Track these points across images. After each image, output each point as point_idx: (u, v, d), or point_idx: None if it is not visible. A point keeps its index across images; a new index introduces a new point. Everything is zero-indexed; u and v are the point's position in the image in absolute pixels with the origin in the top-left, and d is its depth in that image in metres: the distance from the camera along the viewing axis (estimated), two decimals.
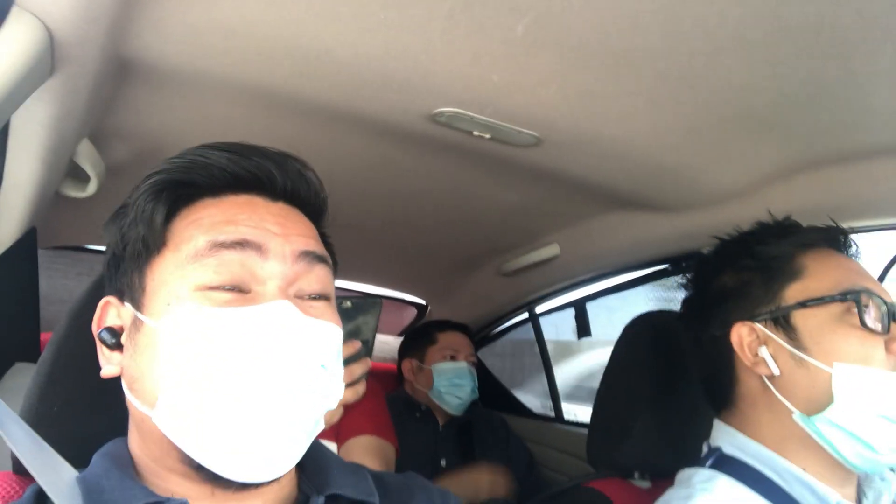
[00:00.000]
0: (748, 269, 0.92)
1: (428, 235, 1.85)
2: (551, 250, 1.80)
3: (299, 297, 0.63)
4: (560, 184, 1.35)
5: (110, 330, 0.63)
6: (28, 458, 0.61)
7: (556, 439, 2.17)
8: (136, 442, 0.64)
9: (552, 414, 2.29)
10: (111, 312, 0.65)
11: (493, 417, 2.21)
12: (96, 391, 0.69)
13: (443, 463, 2.01)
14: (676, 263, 1.57)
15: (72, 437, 0.68)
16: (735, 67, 0.84)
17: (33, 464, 0.61)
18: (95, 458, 0.64)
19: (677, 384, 1.11)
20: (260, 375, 0.57)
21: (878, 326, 0.82)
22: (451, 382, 2.01)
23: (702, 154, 1.13)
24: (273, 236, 0.62)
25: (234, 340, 0.57)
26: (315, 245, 0.66)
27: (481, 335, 2.47)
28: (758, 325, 0.88)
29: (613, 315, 2.05)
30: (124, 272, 0.64)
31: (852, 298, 0.82)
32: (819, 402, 0.81)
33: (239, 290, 0.60)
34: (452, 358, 2.05)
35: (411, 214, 1.65)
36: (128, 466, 0.63)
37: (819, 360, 0.82)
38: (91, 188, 1.22)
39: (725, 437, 0.90)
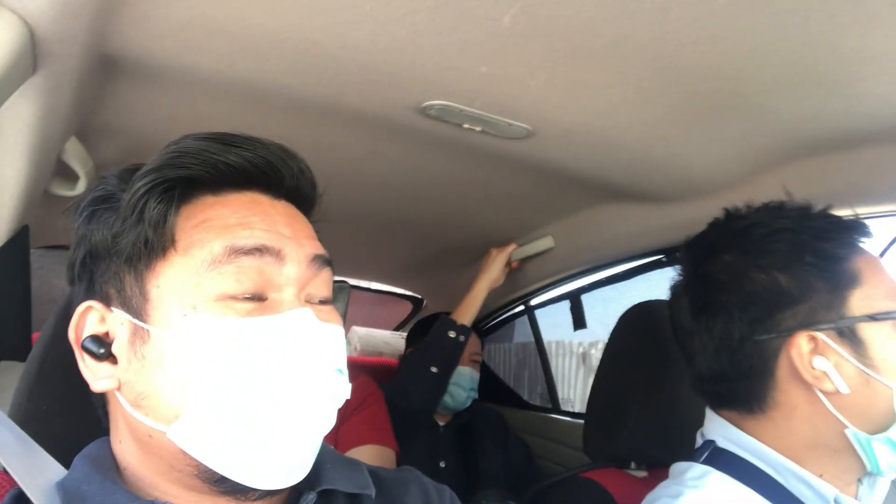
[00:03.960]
0: (810, 269, 0.81)
1: (421, 229, 1.84)
2: (546, 243, 1.80)
3: (310, 301, 0.62)
4: (553, 176, 1.34)
5: (96, 339, 0.59)
6: (11, 459, 0.60)
7: (553, 431, 2.17)
8: (130, 451, 0.61)
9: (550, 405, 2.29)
10: (92, 319, 0.60)
11: (491, 414, 2.19)
12: (85, 391, 0.68)
13: (442, 464, 1.99)
14: (671, 254, 1.57)
15: (61, 437, 0.68)
16: (723, 56, 0.83)
17: (16, 466, 0.60)
18: (76, 461, 0.62)
19: (671, 374, 1.11)
20: (288, 385, 0.57)
21: None
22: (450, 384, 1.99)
23: (692, 144, 1.13)
24: (287, 240, 0.61)
25: (262, 351, 0.56)
26: (321, 248, 0.65)
27: (476, 329, 2.47)
28: (820, 336, 0.79)
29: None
30: (113, 275, 0.60)
31: None
32: (880, 422, 0.77)
33: (258, 297, 0.58)
34: None
35: (404, 208, 1.65)
36: (110, 470, 0.61)
37: (885, 376, 0.77)
38: (80, 186, 1.21)
39: (719, 430, 0.88)
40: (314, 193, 0.68)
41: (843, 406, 0.78)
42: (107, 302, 0.60)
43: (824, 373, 0.78)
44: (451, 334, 1.83)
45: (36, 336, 1.35)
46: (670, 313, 0.96)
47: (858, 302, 0.79)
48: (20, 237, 1.17)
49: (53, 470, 0.61)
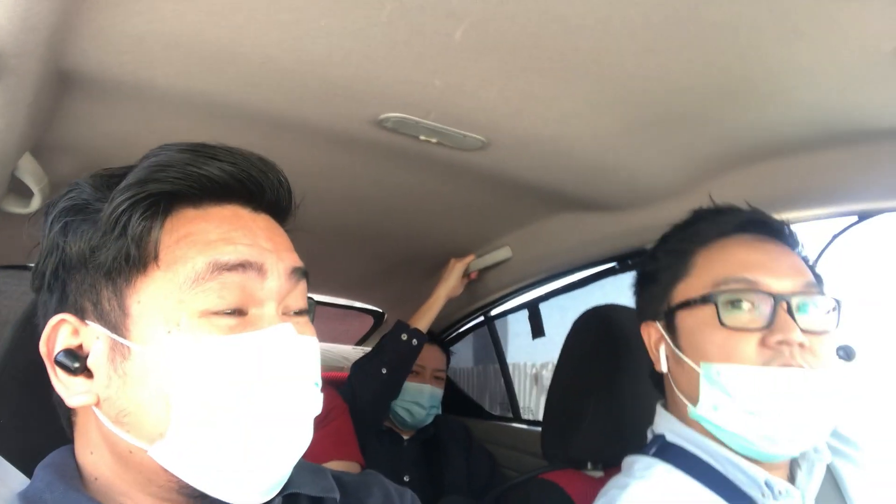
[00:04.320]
0: (655, 267, 0.95)
1: (381, 241, 1.86)
2: (503, 253, 1.83)
3: (286, 313, 0.63)
4: (508, 186, 1.38)
5: (69, 353, 0.58)
6: None
7: (514, 439, 2.19)
8: (104, 463, 0.60)
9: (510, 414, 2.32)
10: (65, 332, 0.59)
11: (456, 427, 2.19)
12: (45, 403, 0.67)
13: (406, 478, 1.99)
14: (623, 261, 1.61)
15: (22, 449, 0.67)
16: (664, 67, 0.88)
17: None
18: (38, 470, 0.61)
19: (623, 375, 1.15)
20: (273, 402, 0.57)
21: (752, 321, 0.81)
22: (408, 401, 2.00)
23: (639, 153, 1.17)
24: (268, 254, 0.61)
25: (246, 368, 0.56)
26: (299, 260, 0.65)
27: (439, 340, 2.48)
28: (657, 325, 0.93)
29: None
30: (89, 288, 0.58)
31: (712, 300, 0.84)
32: (694, 400, 0.85)
33: (240, 312, 0.58)
34: (416, 374, 2.01)
35: (363, 221, 1.66)
36: (73, 478, 0.60)
37: (691, 358, 0.86)
38: (35, 203, 1.19)
39: (666, 424, 0.93)
40: (291, 204, 0.68)
41: (679, 387, 0.90)
42: (81, 315, 0.59)
43: (658, 356, 0.93)
44: (404, 337, 1.84)
45: None
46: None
47: (679, 293, 0.90)
48: None
49: (16, 480, 0.61)
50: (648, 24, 0.77)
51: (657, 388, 0.99)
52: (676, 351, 0.89)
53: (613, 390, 1.15)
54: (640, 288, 1.01)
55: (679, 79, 0.91)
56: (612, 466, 1.17)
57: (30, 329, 0.68)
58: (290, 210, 0.69)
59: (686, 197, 1.30)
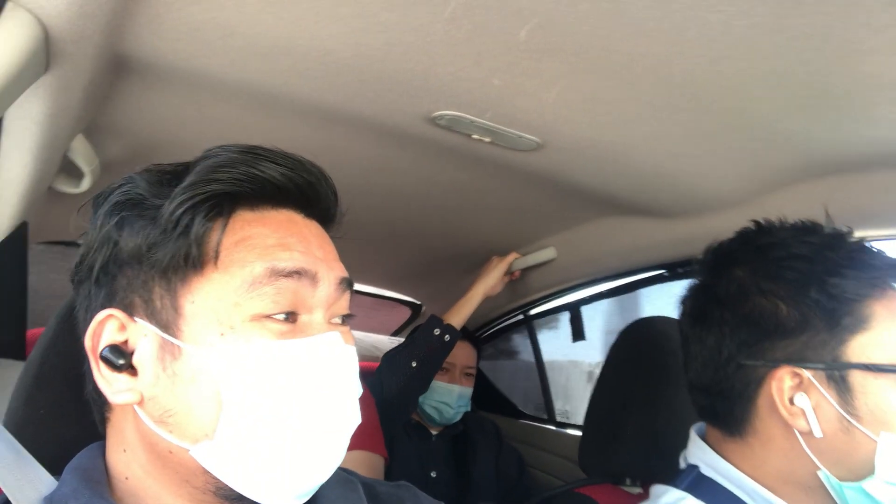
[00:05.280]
0: (813, 305, 0.76)
1: (424, 236, 1.84)
2: (548, 253, 1.79)
3: (332, 322, 0.63)
4: (559, 188, 1.34)
5: (115, 348, 0.57)
6: (2, 471, 0.58)
7: (548, 442, 2.16)
8: (138, 462, 0.60)
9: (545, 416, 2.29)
10: (112, 327, 0.58)
11: (486, 424, 2.17)
12: (83, 396, 0.67)
13: (433, 474, 1.97)
14: (673, 269, 1.57)
15: (56, 442, 0.67)
16: (737, 75, 0.83)
17: (6, 478, 0.58)
18: (65, 474, 0.60)
19: (669, 390, 1.10)
20: (321, 408, 0.58)
21: None
22: (437, 401, 1.97)
23: (701, 161, 1.13)
24: (320, 263, 0.61)
25: (296, 374, 0.57)
26: (345, 271, 0.65)
27: (473, 337, 2.46)
28: (806, 373, 0.76)
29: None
30: (141, 285, 0.58)
31: None
32: (856, 471, 0.74)
33: (291, 318, 0.59)
34: (446, 371, 1.99)
35: (408, 215, 1.64)
36: (99, 483, 0.59)
37: (868, 427, 0.73)
38: (85, 184, 1.21)
39: (700, 455, 0.86)
40: (338, 213, 0.69)
41: (818, 448, 0.75)
42: (129, 311, 0.58)
43: (802, 411, 0.75)
44: (437, 332, 1.81)
45: (32, 333, 1.35)
46: (679, 317, 0.93)
47: (858, 348, 0.75)
48: (19, 233, 1.17)
49: (44, 482, 0.60)
50: (729, 31, 0.72)
51: (706, 409, 0.88)
52: (845, 415, 0.74)
53: (659, 404, 1.11)
54: (755, 311, 0.81)
55: (753, 88, 0.86)
56: (651, 483, 1.14)
57: (71, 320, 0.67)
58: (337, 219, 0.69)
59: (745, 208, 1.25)
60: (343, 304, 0.64)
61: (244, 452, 0.55)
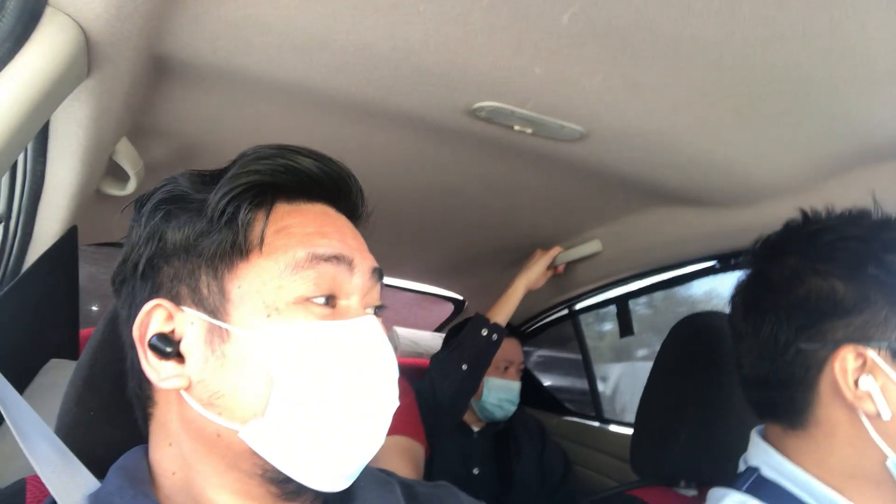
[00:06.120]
0: (872, 280, 0.74)
1: (465, 230, 1.82)
2: (593, 246, 1.75)
3: (366, 311, 0.65)
4: (603, 178, 1.30)
5: (163, 336, 0.59)
6: (48, 471, 0.60)
7: (596, 440, 2.12)
8: (185, 452, 0.61)
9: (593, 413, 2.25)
10: (159, 317, 0.60)
11: (531, 421, 2.14)
12: (127, 395, 0.68)
13: (475, 471, 1.96)
14: (725, 261, 1.51)
15: (105, 444, 0.68)
16: (795, 56, 0.79)
17: (52, 479, 0.60)
18: (110, 473, 0.62)
19: (725, 387, 1.06)
20: (363, 388, 0.60)
21: None
22: (499, 398, 1.95)
23: (754, 147, 1.08)
24: (355, 251, 0.64)
25: (340, 354, 0.59)
26: (376, 261, 0.67)
27: (519, 332, 2.44)
28: (870, 353, 0.72)
29: None
30: (188, 274, 0.60)
31: None
32: None
33: (331, 301, 0.61)
34: (506, 370, 1.98)
35: (449, 209, 1.62)
36: (143, 483, 0.61)
37: None
38: (131, 186, 1.22)
39: (762, 457, 0.82)
40: (365, 211, 0.72)
41: (886, 432, 0.71)
42: (177, 301, 0.60)
43: (868, 393, 0.71)
44: (484, 332, 1.79)
45: (84, 333, 1.38)
46: (729, 314, 0.91)
47: None
48: (69, 237, 1.19)
49: (88, 482, 0.62)
50: (784, 9, 0.69)
51: (762, 404, 0.85)
52: None
53: (714, 403, 1.06)
54: (812, 291, 0.78)
55: (810, 70, 0.81)
56: (707, 486, 1.10)
57: (117, 322, 0.68)
58: (363, 217, 0.72)
59: (801, 195, 1.19)
60: (375, 295, 0.66)
61: (294, 432, 0.57)
